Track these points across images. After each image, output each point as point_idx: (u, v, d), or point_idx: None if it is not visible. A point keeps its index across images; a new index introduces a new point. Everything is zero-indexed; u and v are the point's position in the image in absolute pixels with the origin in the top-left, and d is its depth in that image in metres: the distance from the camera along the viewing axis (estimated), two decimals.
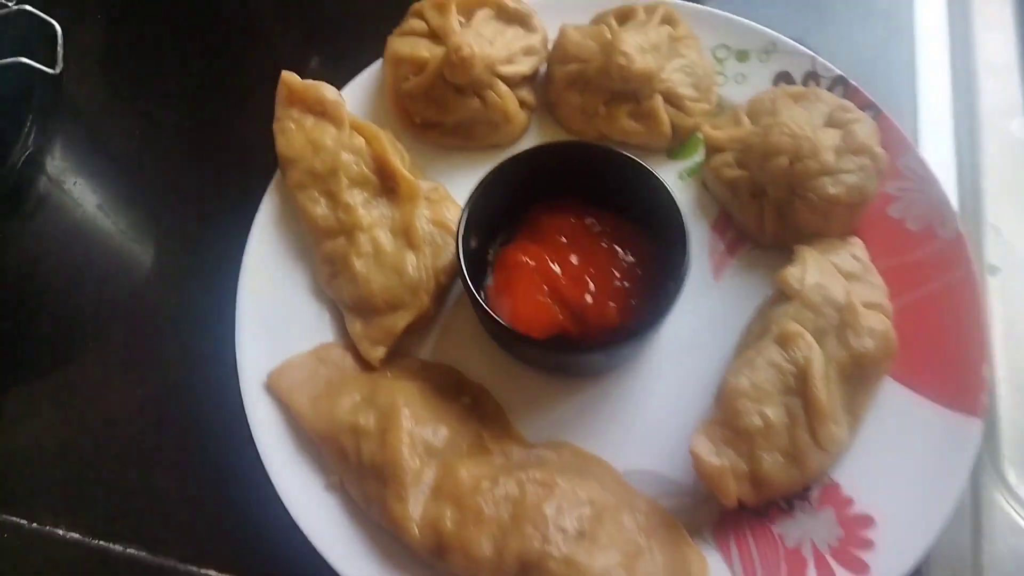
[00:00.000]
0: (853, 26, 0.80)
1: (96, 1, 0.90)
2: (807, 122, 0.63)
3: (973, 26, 0.82)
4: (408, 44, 0.69)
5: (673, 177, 0.70)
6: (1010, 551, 0.57)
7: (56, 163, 0.81)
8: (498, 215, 0.66)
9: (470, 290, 0.58)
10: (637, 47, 0.66)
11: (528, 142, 0.73)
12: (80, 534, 0.61)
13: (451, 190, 0.69)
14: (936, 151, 0.73)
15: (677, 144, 0.71)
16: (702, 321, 0.64)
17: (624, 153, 0.63)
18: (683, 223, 0.60)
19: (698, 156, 0.71)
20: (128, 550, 0.60)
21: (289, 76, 0.67)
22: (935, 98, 0.76)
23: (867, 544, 0.52)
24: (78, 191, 0.80)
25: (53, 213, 0.79)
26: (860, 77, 0.70)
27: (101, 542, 0.60)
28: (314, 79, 0.68)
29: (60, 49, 0.83)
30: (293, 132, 0.66)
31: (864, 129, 0.63)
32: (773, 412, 0.54)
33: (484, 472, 0.55)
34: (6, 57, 0.77)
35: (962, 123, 0.75)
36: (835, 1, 0.82)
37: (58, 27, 0.82)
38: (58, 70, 0.82)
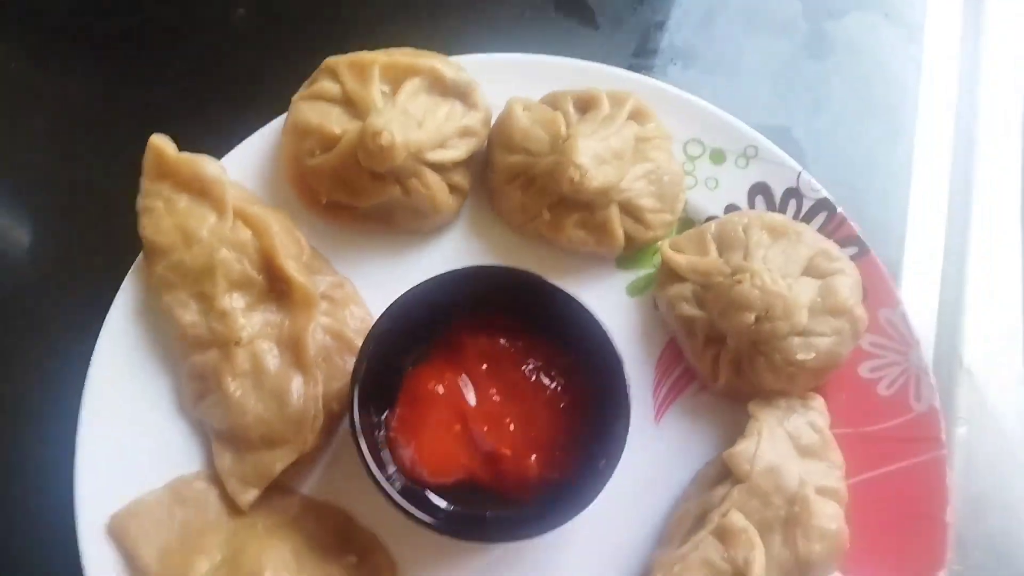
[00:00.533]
0: (847, 116, 0.74)
1: None
2: (782, 268, 0.57)
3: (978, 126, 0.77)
4: (316, 111, 0.59)
5: (620, 290, 0.65)
6: None
7: None
8: (412, 335, 0.59)
9: (366, 463, 0.51)
10: (595, 158, 0.59)
11: (458, 231, 0.65)
12: None
13: (363, 281, 0.63)
14: (918, 288, 0.68)
15: (630, 253, 0.65)
16: (637, 473, 0.58)
17: (559, 289, 0.56)
18: (624, 378, 0.54)
19: (650, 267, 0.65)
20: None
21: (160, 141, 0.58)
22: (928, 223, 0.70)
23: None
24: None
25: None
26: (851, 193, 0.65)
27: None
28: (196, 139, 0.59)
29: None
30: (161, 214, 0.58)
31: (846, 285, 0.58)
32: None
33: None
34: None
35: (953, 251, 0.71)
36: (830, 82, 0.75)
37: None
38: None
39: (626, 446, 0.58)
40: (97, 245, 0.66)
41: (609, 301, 0.63)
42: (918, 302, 0.67)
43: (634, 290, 0.65)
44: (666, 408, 0.62)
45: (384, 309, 0.55)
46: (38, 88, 0.74)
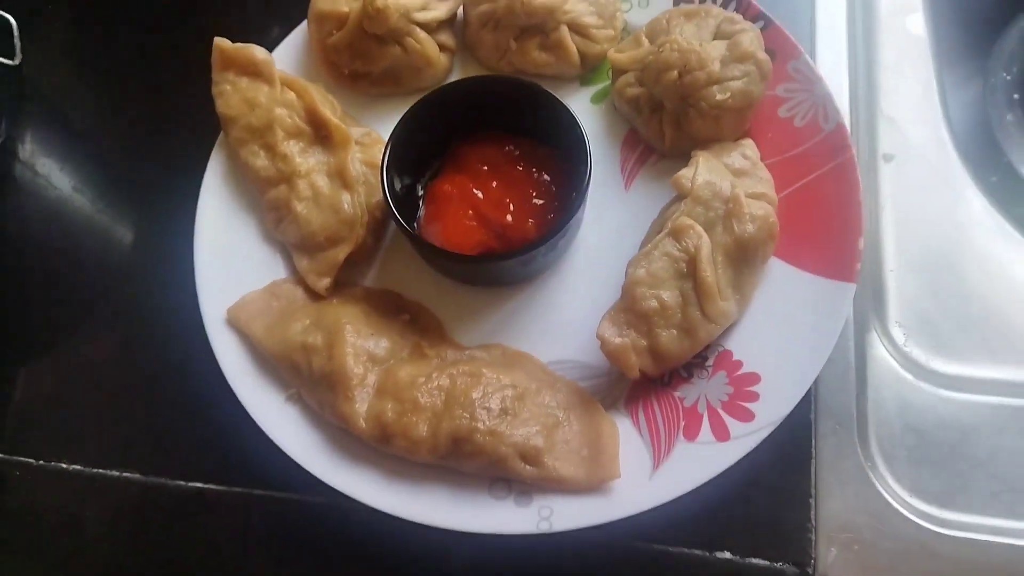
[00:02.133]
0: None
1: None
2: (695, 37, 0.75)
3: None
4: (328, 1, 0.80)
5: (585, 102, 0.82)
6: (893, 396, 0.70)
7: (28, 149, 0.94)
8: (425, 152, 0.78)
9: (395, 216, 0.70)
10: None
11: None
12: (81, 465, 0.75)
13: (383, 134, 0.81)
14: (832, 52, 0.84)
15: (588, 71, 0.83)
16: (616, 226, 0.76)
17: (528, 81, 0.75)
18: (585, 140, 0.72)
19: (608, 81, 0.82)
20: (124, 474, 0.74)
21: (222, 41, 0.79)
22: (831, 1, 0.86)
23: (753, 397, 0.65)
24: (50, 173, 0.93)
25: (29, 194, 0.92)
26: None
27: (99, 470, 0.75)
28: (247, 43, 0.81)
29: (17, 41, 0.95)
30: (230, 93, 0.79)
31: (748, 38, 0.74)
32: (668, 295, 0.66)
33: (421, 371, 0.68)
34: None
35: (858, 23, 0.86)
36: None
37: (12, 20, 0.95)
38: (17, 61, 0.95)
39: (602, 210, 0.76)
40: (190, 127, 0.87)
41: (578, 110, 0.77)
42: (831, 72, 0.83)
43: (596, 99, 0.83)
44: (633, 178, 0.79)
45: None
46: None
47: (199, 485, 0.73)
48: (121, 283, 0.84)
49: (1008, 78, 0.95)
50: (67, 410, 0.78)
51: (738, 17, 0.76)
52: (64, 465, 0.75)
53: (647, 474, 0.64)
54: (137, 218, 0.88)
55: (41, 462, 0.76)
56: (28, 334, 0.83)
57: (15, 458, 0.76)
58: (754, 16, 0.78)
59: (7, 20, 0.96)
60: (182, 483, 0.73)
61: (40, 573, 0.72)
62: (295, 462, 0.67)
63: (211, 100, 0.80)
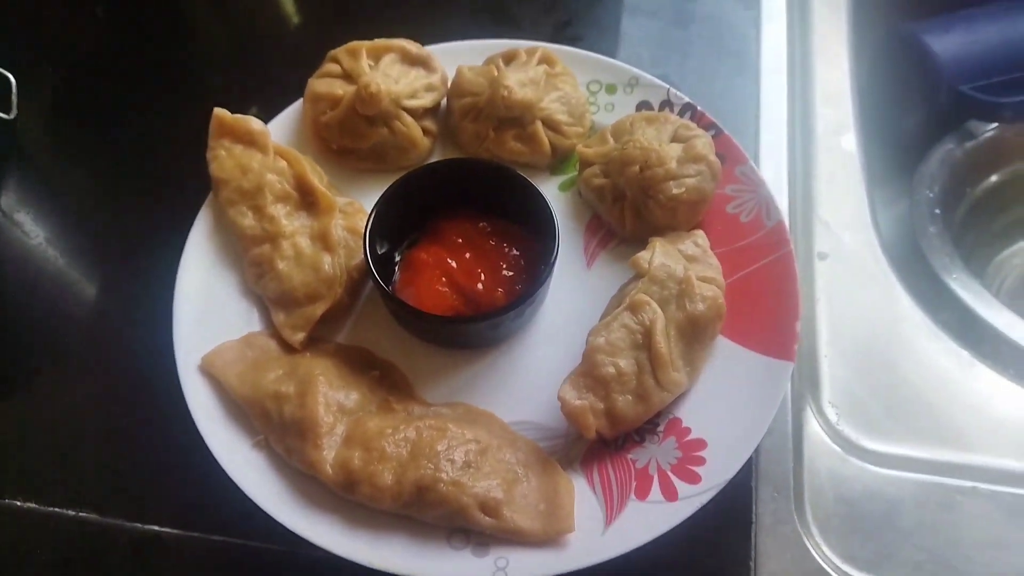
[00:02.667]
0: (707, 63, 1.03)
1: (47, 55, 1.09)
2: (655, 138, 0.84)
3: (813, 60, 1.05)
4: (325, 84, 0.88)
5: (554, 189, 0.90)
6: (826, 469, 0.75)
7: (9, 198, 0.98)
8: (403, 223, 0.84)
9: (373, 275, 0.76)
10: (518, 82, 0.87)
11: None
12: (35, 503, 0.75)
13: (365, 206, 0.87)
14: (773, 162, 0.94)
15: (557, 162, 0.92)
16: (577, 300, 0.82)
17: (504, 165, 0.83)
18: (554, 220, 0.79)
19: (575, 172, 0.91)
20: (80, 514, 0.74)
21: (221, 112, 0.86)
22: (774, 119, 0.98)
23: (699, 461, 0.70)
24: (28, 223, 0.96)
25: (5, 242, 0.95)
26: (711, 105, 0.91)
27: (54, 508, 0.75)
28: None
29: (14, 97, 1.01)
30: (224, 158, 0.85)
31: (701, 143, 0.83)
32: (624, 363, 0.72)
33: (388, 423, 0.71)
34: None
35: (798, 139, 0.98)
36: (694, 42, 1.05)
37: (12, 78, 1.00)
38: (12, 116, 0.99)
39: (566, 285, 0.83)
40: (179, 187, 0.92)
41: (546, 196, 0.85)
42: (773, 179, 0.93)
43: (564, 187, 0.91)
44: (595, 258, 0.86)
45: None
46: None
47: (156, 528, 0.73)
48: (99, 331, 0.86)
49: (931, 195, 1.07)
50: (30, 450, 0.78)
51: (693, 124, 0.86)
52: (18, 503, 0.75)
53: (600, 529, 0.68)
54: (117, 268, 0.91)
55: None
56: None
57: None
58: (706, 125, 0.88)
59: (7, 77, 1.01)
60: (139, 525, 0.74)
61: None
62: (257, 508, 0.68)
63: (198, 163, 0.86)
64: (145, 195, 0.96)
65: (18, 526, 0.74)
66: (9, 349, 0.86)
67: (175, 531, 0.73)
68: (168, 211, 0.89)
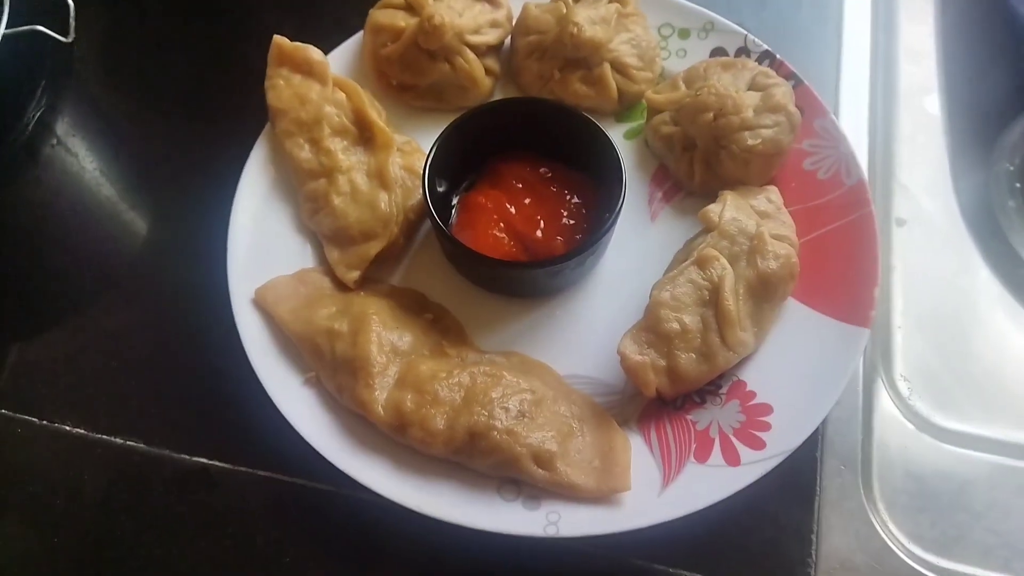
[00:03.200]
0: (786, 11, 0.96)
1: None
2: (731, 85, 0.79)
3: (898, 15, 0.98)
4: (387, 15, 0.84)
5: (619, 137, 0.86)
6: (896, 444, 0.71)
7: (64, 124, 0.96)
8: (462, 164, 0.80)
9: (431, 212, 0.72)
10: (587, 19, 0.82)
11: None
12: (84, 429, 0.74)
13: (423, 145, 0.83)
14: (853, 119, 0.88)
15: (624, 108, 0.87)
16: (639, 254, 0.78)
17: (570, 106, 0.78)
18: (621, 165, 0.74)
19: (642, 120, 0.86)
20: (127, 442, 0.73)
21: (281, 39, 0.82)
22: (856, 74, 0.91)
23: (764, 427, 0.66)
24: (82, 151, 0.94)
25: (60, 168, 0.93)
26: (790, 55, 0.85)
27: (102, 435, 0.74)
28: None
29: (72, 20, 0.98)
30: (282, 87, 0.81)
31: (781, 91, 0.78)
32: (689, 319, 0.68)
33: (442, 367, 0.68)
34: (23, 25, 0.92)
35: (879, 97, 0.91)
36: None
37: (70, 1, 0.97)
38: (70, 39, 0.97)
39: (628, 238, 0.79)
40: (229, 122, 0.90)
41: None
42: (853, 136, 0.86)
43: (630, 135, 0.86)
44: (659, 212, 0.82)
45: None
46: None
47: (203, 460, 0.72)
48: (150, 258, 0.84)
49: (1011, 168, 1.00)
50: (79, 374, 0.77)
51: (772, 72, 0.80)
52: (68, 427, 0.74)
53: (656, 490, 0.64)
54: (174, 197, 0.88)
55: (44, 422, 0.75)
56: (49, 300, 0.83)
57: (19, 416, 0.75)
58: (786, 75, 0.82)
59: (65, 1, 0.99)
60: (186, 457, 0.72)
61: (31, 533, 0.70)
62: (305, 446, 0.67)
63: (256, 97, 0.82)
64: (200, 125, 0.94)
65: (67, 450, 0.73)
66: (61, 275, 0.84)
67: (221, 464, 0.72)
68: (223, 142, 0.87)
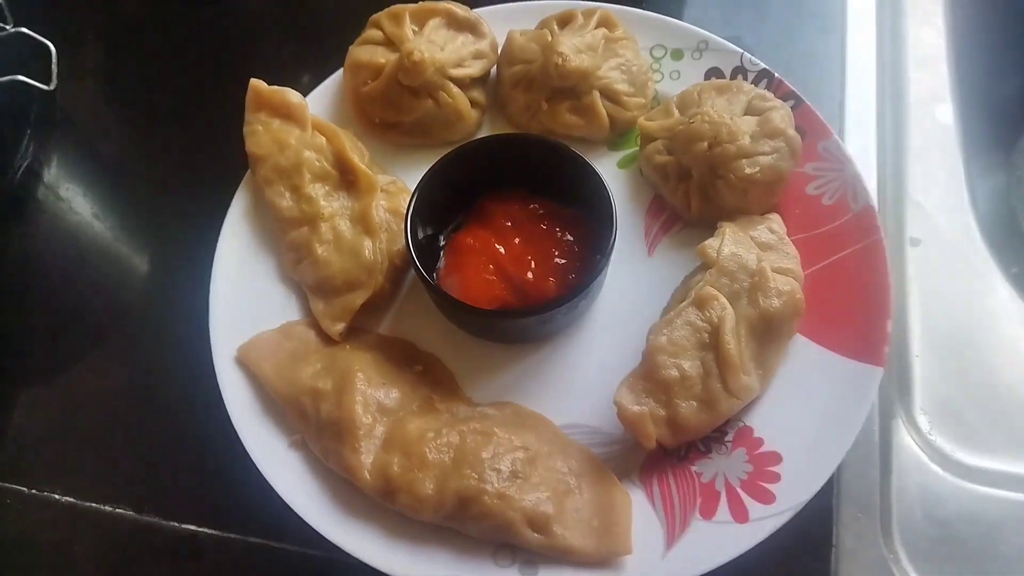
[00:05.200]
0: (786, 24, 0.92)
1: (90, 24, 1.04)
2: (726, 110, 0.74)
3: (904, 21, 0.93)
4: (366, 52, 0.81)
5: (612, 166, 0.82)
6: (916, 486, 0.67)
7: (52, 173, 0.94)
8: (449, 205, 0.77)
9: (415, 265, 0.69)
10: (573, 48, 0.78)
11: None
12: (74, 497, 0.72)
13: (409, 184, 0.80)
14: (860, 135, 0.83)
15: (616, 136, 0.83)
16: (637, 291, 0.75)
17: (558, 142, 0.74)
18: (611, 201, 0.70)
19: (636, 147, 0.82)
20: (117, 510, 0.71)
21: (257, 83, 0.80)
22: (862, 86, 0.86)
23: (774, 477, 0.62)
24: (73, 198, 0.93)
25: (50, 218, 0.91)
26: (791, 71, 0.81)
27: (92, 504, 0.71)
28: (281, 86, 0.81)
29: (54, 67, 0.96)
30: (261, 133, 0.78)
31: (779, 115, 0.73)
32: (689, 365, 0.64)
33: (430, 426, 0.65)
34: (5, 75, 0.91)
35: (888, 110, 0.86)
36: (770, 1, 0.94)
37: (52, 47, 0.96)
38: (52, 86, 0.95)
39: (624, 275, 0.75)
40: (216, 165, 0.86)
41: (604, 174, 0.75)
42: (860, 155, 0.82)
43: (623, 164, 0.82)
44: (656, 244, 0.78)
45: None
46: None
47: (193, 528, 0.70)
48: (135, 313, 0.82)
49: None
50: (66, 439, 0.75)
51: (769, 95, 0.76)
52: (57, 496, 0.72)
53: (659, 552, 0.61)
54: (156, 249, 0.87)
55: (34, 491, 0.73)
56: (35, 358, 0.81)
57: (8, 485, 0.73)
58: (784, 95, 0.78)
59: (47, 46, 0.97)
60: (175, 524, 0.70)
61: None
62: (293, 510, 0.64)
63: (240, 139, 0.80)
64: (188, 171, 0.91)
65: (56, 519, 0.71)
66: (46, 333, 0.82)
67: (211, 531, 0.69)
68: (212, 185, 0.84)
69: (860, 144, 0.83)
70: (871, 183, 0.80)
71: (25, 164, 0.94)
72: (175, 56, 1.00)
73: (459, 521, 0.61)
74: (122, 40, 1.04)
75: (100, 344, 0.81)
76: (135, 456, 0.74)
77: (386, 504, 0.63)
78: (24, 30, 0.94)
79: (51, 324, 0.83)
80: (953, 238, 0.80)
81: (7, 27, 0.94)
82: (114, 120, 0.99)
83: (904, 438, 0.69)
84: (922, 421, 0.70)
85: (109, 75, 1.01)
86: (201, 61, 0.99)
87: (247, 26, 1.04)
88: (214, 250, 0.76)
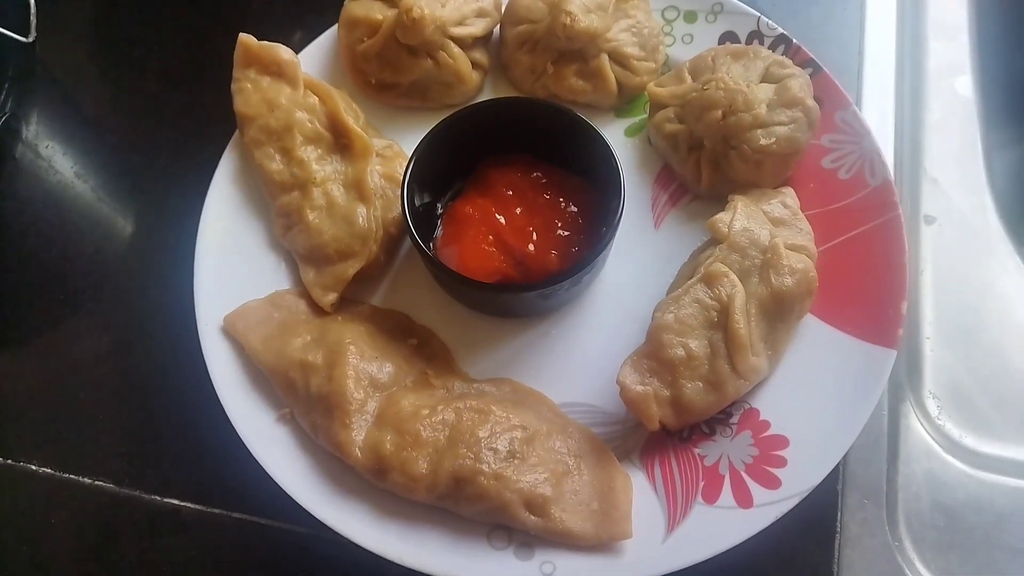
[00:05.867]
0: None
1: None
2: (742, 77, 0.71)
3: None
4: (362, 7, 0.77)
5: (619, 134, 0.79)
6: (923, 473, 0.65)
7: (32, 129, 0.90)
8: (448, 171, 0.74)
9: (412, 234, 0.66)
10: (581, 7, 0.74)
11: None
12: (52, 469, 0.70)
13: (406, 149, 0.77)
14: (878, 107, 0.81)
15: (624, 102, 0.79)
16: (642, 266, 0.72)
17: (564, 107, 0.71)
18: (619, 172, 0.67)
19: (644, 114, 0.79)
20: (96, 482, 0.69)
21: (246, 38, 0.76)
22: (881, 56, 0.83)
23: (779, 462, 0.60)
24: (53, 156, 0.89)
25: (29, 176, 0.88)
26: (808, 38, 0.77)
27: (71, 475, 0.69)
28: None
29: (32, 19, 0.91)
30: (250, 92, 0.75)
31: (798, 83, 0.70)
32: (695, 344, 0.62)
33: (425, 402, 0.63)
34: None
35: (906, 81, 0.83)
36: None
37: None
38: (31, 39, 0.91)
39: (629, 248, 0.72)
40: (203, 125, 0.84)
41: (611, 142, 0.75)
42: (878, 127, 0.79)
43: (631, 132, 0.79)
44: (663, 217, 0.75)
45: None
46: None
47: (175, 502, 0.68)
48: (116, 278, 0.79)
49: None
50: (44, 409, 0.73)
51: (787, 61, 0.73)
52: (34, 467, 0.70)
53: (660, 536, 0.59)
54: (139, 211, 0.83)
55: (10, 461, 0.70)
56: (14, 323, 0.78)
57: None
58: (803, 62, 0.75)
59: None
60: (157, 498, 0.68)
61: None
62: (280, 486, 0.62)
63: (228, 97, 0.76)
64: (173, 131, 0.88)
65: (33, 492, 0.69)
66: (23, 298, 0.79)
67: (194, 506, 0.67)
68: (199, 144, 0.81)
69: (877, 116, 0.80)
70: (888, 156, 0.77)
71: (2, 119, 0.90)
72: (162, 8, 0.96)
73: (453, 501, 0.59)
74: None
75: (79, 310, 0.78)
76: (116, 427, 0.71)
77: (377, 483, 0.61)
78: None
79: (28, 288, 0.80)
80: (969, 216, 0.77)
81: None
82: (97, 75, 0.94)
83: (912, 423, 0.67)
84: (931, 405, 0.68)
85: (92, 28, 0.97)
86: (189, 15, 0.94)
87: None
88: (198, 212, 0.73)
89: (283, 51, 0.76)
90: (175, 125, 0.87)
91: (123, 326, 0.76)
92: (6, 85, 0.92)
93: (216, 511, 0.67)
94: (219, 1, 0.95)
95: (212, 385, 0.66)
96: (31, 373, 0.75)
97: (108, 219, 0.84)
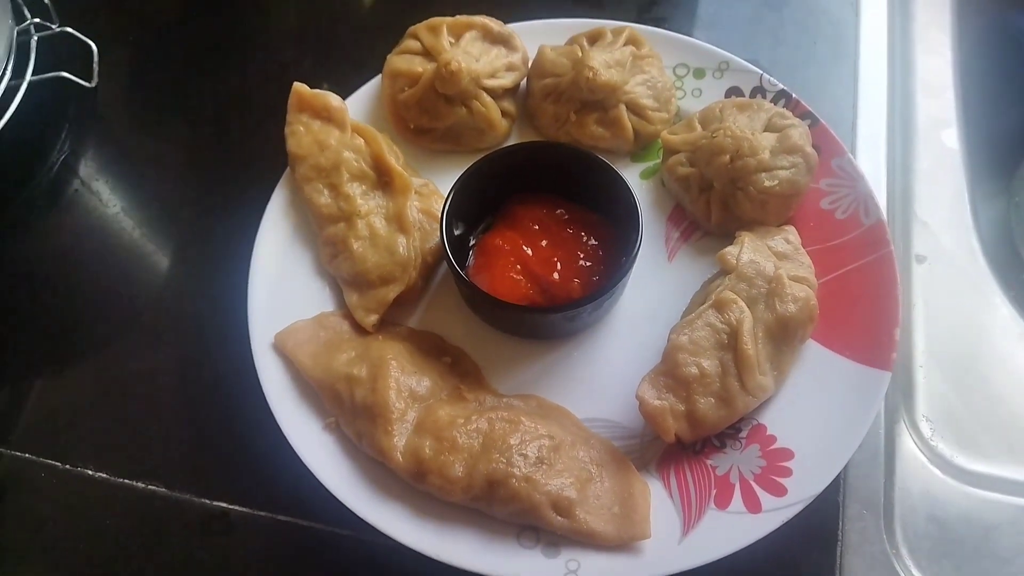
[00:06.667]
0: (801, 49, 0.97)
1: (130, 25, 1.09)
2: (747, 126, 0.79)
3: (914, 49, 0.99)
4: (404, 60, 0.86)
5: (635, 177, 0.87)
6: (918, 487, 0.71)
7: (88, 167, 0.99)
8: (480, 207, 0.82)
9: (450, 260, 0.73)
10: (603, 63, 0.83)
11: None
12: (107, 473, 0.75)
13: (440, 188, 0.85)
14: (871, 155, 0.89)
15: (640, 148, 0.88)
16: (656, 295, 0.79)
17: (586, 150, 0.79)
18: (637, 208, 0.75)
19: (658, 159, 0.87)
20: (149, 487, 0.75)
21: (300, 86, 0.85)
22: (873, 111, 0.92)
23: (785, 472, 0.66)
24: (105, 192, 0.97)
25: (83, 210, 0.95)
26: (806, 93, 0.86)
27: (124, 480, 0.75)
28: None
29: (96, 66, 1.01)
30: (302, 134, 0.83)
31: (797, 132, 0.79)
32: (708, 363, 0.69)
33: (460, 413, 0.69)
34: (49, 72, 0.95)
35: (897, 133, 0.92)
36: (787, 26, 1.00)
37: (95, 47, 1.01)
38: (93, 84, 1.00)
39: (645, 279, 0.80)
40: (255, 160, 0.92)
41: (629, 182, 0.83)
42: (871, 174, 0.87)
43: (646, 175, 0.87)
44: (676, 251, 0.83)
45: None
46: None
47: (224, 505, 0.73)
48: (172, 301, 0.86)
49: None
50: (102, 418, 0.79)
51: (788, 113, 0.81)
52: (90, 472, 0.76)
53: (676, 538, 0.65)
54: (193, 241, 0.91)
55: (68, 466, 0.76)
56: (74, 341, 0.84)
57: (42, 460, 0.76)
58: (802, 114, 0.83)
59: (88, 45, 1.02)
60: (207, 501, 0.74)
61: None
62: (325, 491, 0.68)
63: (276, 141, 0.85)
64: (222, 167, 0.96)
65: (89, 495, 0.75)
66: (82, 318, 0.86)
67: (242, 508, 0.73)
68: (244, 184, 0.89)
69: (871, 164, 0.88)
70: (881, 200, 0.85)
71: (63, 158, 0.98)
72: (217, 58, 1.05)
73: (487, 503, 0.65)
74: (161, 42, 1.08)
75: (137, 329, 0.85)
76: (168, 435, 0.77)
77: (416, 485, 0.67)
78: (69, 29, 0.99)
79: (89, 310, 0.87)
80: (957, 257, 0.85)
81: (53, 27, 0.98)
82: (151, 119, 1.02)
83: (907, 442, 0.73)
84: (924, 427, 0.74)
85: (148, 75, 1.06)
86: (242, 63, 1.04)
87: (281, 33, 1.09)
88: (248, 244, 0.80)
89: (333, 98, 0.85)
90: (227, 163, 0.95)
91: (178, 343, 0.83)
92: (67, 125, 1.01)
93: (262, 513, 0.73)
94: (269, 56, 1.05)
95: (260, 397, 0.72)
96: (90, 386, 0.81)
97: (166, 247, 0.91)
